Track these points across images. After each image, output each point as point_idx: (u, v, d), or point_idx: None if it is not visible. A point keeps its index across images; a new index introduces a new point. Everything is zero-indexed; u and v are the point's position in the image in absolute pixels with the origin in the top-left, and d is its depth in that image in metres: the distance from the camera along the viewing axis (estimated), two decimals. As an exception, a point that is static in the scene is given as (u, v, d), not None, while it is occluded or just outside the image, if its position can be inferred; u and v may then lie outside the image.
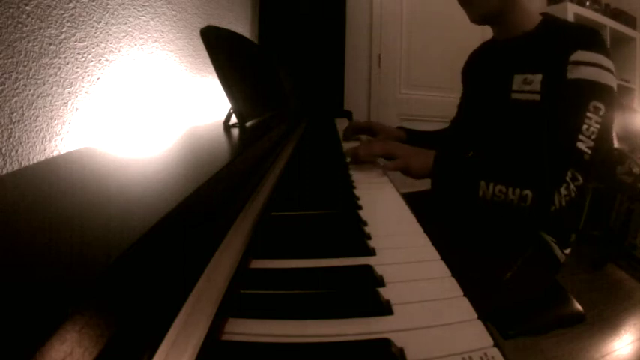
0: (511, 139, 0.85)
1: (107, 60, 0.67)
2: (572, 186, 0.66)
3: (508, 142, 0.86)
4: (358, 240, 0.44)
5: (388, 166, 0.77)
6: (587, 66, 0.69)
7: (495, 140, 0.92)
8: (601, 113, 0.67)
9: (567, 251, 0.83)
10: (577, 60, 0.70)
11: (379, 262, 0.39)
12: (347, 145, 1.12)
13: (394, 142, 0.84)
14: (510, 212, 0.68)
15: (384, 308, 0.31)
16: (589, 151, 0.66)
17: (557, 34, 0.76)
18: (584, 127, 0.66)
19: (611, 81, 0.70)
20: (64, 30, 0.57)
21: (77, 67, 0.60)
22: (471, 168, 0.72)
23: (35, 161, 0.51)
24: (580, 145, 0.66)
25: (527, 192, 0.66)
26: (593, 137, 0.66)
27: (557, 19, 0.82)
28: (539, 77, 0.77)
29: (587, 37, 0.72)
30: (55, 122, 0.55)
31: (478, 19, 0.85)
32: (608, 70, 0.69)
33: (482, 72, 0.99)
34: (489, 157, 0.74)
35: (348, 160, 0.86)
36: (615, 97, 0.70)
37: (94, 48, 0.64)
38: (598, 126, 0.66)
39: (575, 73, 0.70)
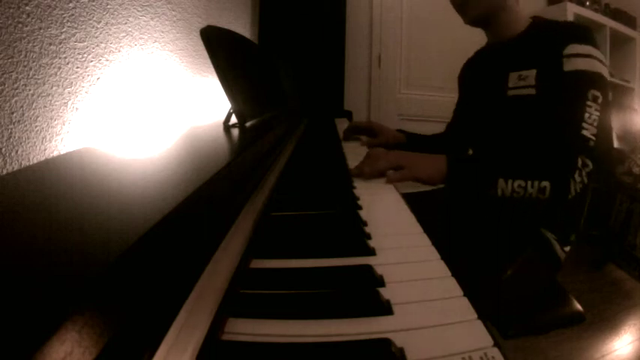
0: (511, 132, 0.87)
1: (107, 60, 0.67)
2: (583, 172, 0.69)
3: (509, 136, 0.88)
4: (358, 240, 0.44)
5: (393, 177, 0.71)
6: (581, 57, 0.74)
7: (495, 135, 0.94)
8: (599, 101, 0.71)
9: (567, 249, 0.83)
10: (571, 53, 0.74)
11: (379, 262, 0.39)
12: (347, 145, 1.12)
13: (399, 151, 0.78)
14: (528, 207, 0.70)
15: (384, 308, 0.31)
16: (593, 137, 0.70)
17: (548, 32, 0.81)
18: (586, 115, 0.70)
19: (604, 70, 0.74)
20: (64, 30, 0.57)
21: (77, 67, 0.60)
22: (487, 168, 0.72)
23: (35, 161, 0.51)
24: (585, 132, 0.70)
25: (546, 183, 0.68)
26: (595, 124, 0.70)
27: (546, 20, 0.86)
28: (533, 72, 0.80)
29: (577, 31, 0.77)
30: (55, 122, 0.55)
31: (473, 20, 0.89)
32: (599, 60, 0.74)
33: (478, 75, 1.02)
34: (503, 154, 0.76)
35: (349, 165, 0.84)
36: (608, 85, 0.74)
37: (94, 48, 0.64)
38: (598, 113, 0.71)
39: (571, 65, 0.74)
